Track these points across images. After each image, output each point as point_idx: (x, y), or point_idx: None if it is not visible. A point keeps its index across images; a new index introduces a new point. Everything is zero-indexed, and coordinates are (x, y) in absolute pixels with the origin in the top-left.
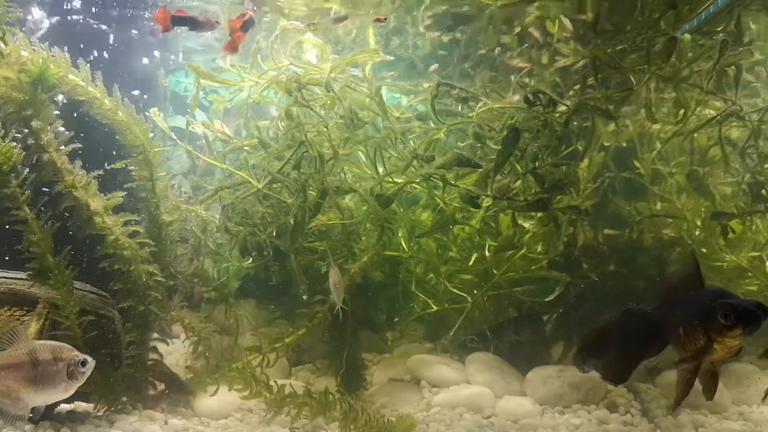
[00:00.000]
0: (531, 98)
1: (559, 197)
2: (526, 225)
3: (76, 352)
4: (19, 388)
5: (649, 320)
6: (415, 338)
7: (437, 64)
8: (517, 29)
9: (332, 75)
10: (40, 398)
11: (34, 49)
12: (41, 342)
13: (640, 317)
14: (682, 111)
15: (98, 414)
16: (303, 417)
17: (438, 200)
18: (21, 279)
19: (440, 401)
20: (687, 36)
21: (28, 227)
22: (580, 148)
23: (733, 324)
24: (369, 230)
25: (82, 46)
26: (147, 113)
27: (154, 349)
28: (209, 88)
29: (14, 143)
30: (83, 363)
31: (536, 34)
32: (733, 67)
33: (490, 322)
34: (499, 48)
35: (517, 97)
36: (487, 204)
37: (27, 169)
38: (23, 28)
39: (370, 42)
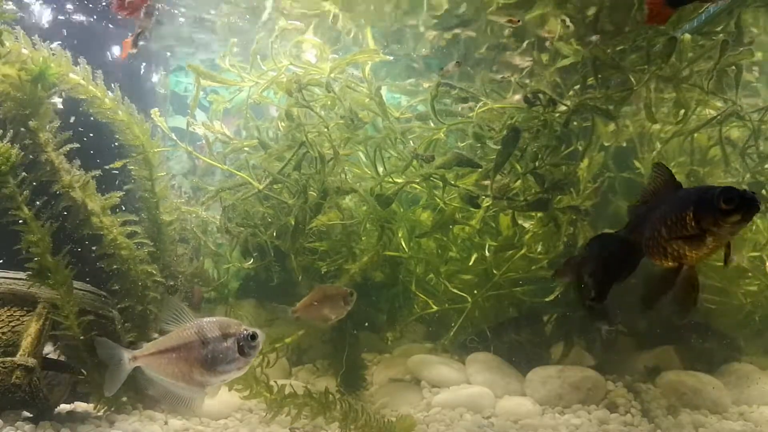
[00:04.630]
0: (531, 98)
1: (559, 197)
2: (526, 225)
3: (245, 326)
4: (192, 369)
5: (618, 239)
6: (415, 338)
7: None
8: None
9: (332, 75)
10: (215, 378)
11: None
12: (208, 319)
13: (607, 239)
14: (682, 111)
15: (98, 414)
16: (303, 417)
17: (438, 200)
18: (21, 279)
19: (440, 401)
20: (687, 36)
21: (26, 227)
22: (580, 148)
23: (733, 209)
24: (369, 230)
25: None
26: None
27: None
28: (209, 88)
29: (16, 143)
30: (253, 337)
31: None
32: (733, 67)
33: (490, 322)
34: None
35: (517, 97)
36: (487, 204)
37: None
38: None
39: (369, 42)
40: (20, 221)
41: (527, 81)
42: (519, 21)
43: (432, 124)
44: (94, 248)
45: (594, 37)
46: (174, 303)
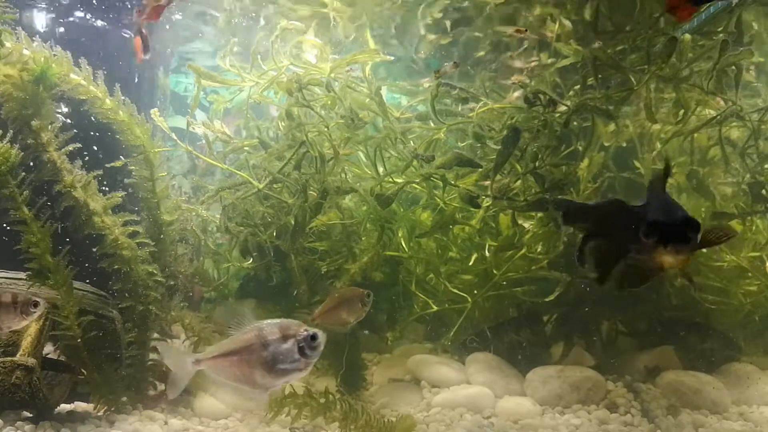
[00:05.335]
0: (531, 98)
1: (559, 197)
2: (526, 225)
3: (305, 327)
4: (254, 372)
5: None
6: (415, 338)
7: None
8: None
9: (332, 75)
10: (277, 380)
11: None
12: (268, 321)
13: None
14: (682, 111)
15: (98, 414)
16: (303, 417)
17: (438, 200)
18: (21, 279)
19: (440, 401)
20: (687, 36)
21: (27, 228)
22: (580, 148)
23: (656, 243)
24: (369, 230)
25: None
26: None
27: (154, 350)
28: (209, 88)
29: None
30: (313, 337)
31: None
32: (733, 67)
33: (490, 322)
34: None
35: (517, 94)
36: (487, 204)
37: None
38: None
39: (369, 42)
40: (20, 221)
41: (527, 81)
42: (527, 30)
43: (432, 124)
44: (95, 248)
45: (597, 44)
46: (234, 306)
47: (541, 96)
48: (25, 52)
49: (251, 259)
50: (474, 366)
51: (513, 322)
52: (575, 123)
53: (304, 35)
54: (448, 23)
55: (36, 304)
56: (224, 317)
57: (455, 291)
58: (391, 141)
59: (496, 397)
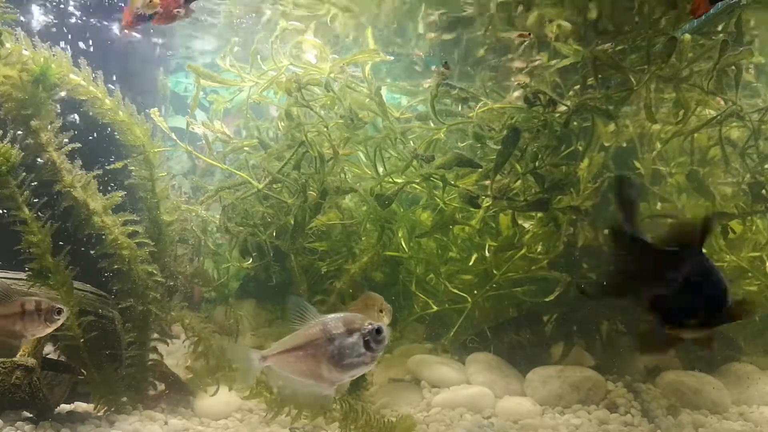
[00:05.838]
0: (531, 98)
1: (559, 197)
2: (526, 225)
3: (369, 321)
4: (320, 367)
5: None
6: (415, 338)
7: (445, 63)
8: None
9: (332, 75)
10: (343, 374)
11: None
12: (333, 315)
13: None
14: (682, 111)
15: (98, 414)
16: (303, 417)
17: (438, 200)
18: (21, 279)
19: (440, 401)
20: (687, 36)
21: (27, 228)
22: (580, 148)
23: (698, 324)
24: (369, 230)
25: None
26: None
27: (154, 350)
28: (209, 88)
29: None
30: (378, 331)
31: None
32: (733, 67)
33: (490, 322)
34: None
35: (516, 94)
36: (487, 204)
37: None
38: None
39: (369, 42)
40: (20, 222)
41: (527, 80)
42: (530, 34)
43: (432, 124)
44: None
45: (602, 46)
46: (299, 302)
47: (541, 96)
48: (25, 52)
49: (251, 259)
50: (474, 366)
51: (513, 322)
52: (575, 123)
53: (304, 35)
54: (441, 21)
55: (60, 312)
56: (288, 313)
57: (455, 291)
58: (391, 141)
59: (496, 397)
